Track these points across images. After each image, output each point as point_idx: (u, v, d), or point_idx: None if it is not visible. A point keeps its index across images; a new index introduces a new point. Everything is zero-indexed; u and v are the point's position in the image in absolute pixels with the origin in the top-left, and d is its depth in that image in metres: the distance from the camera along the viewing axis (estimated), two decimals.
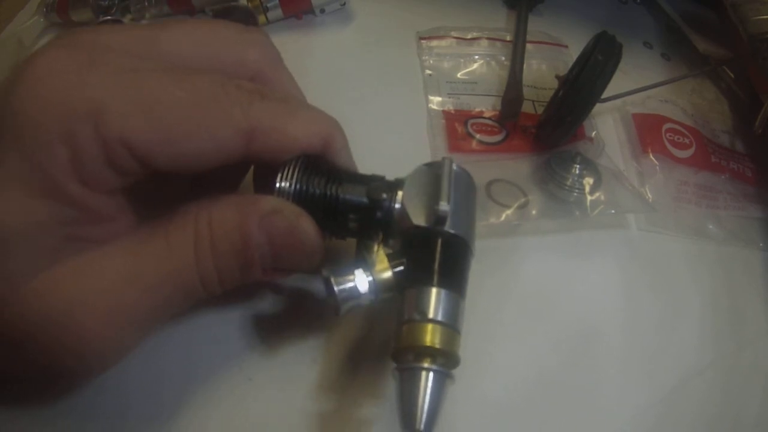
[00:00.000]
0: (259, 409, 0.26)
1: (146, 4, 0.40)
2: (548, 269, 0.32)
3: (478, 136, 0.37)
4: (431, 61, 0.41)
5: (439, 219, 0.23)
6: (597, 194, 0.34)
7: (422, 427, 0.20)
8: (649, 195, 0.36)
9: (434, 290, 0.22)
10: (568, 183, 0.33)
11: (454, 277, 0.23)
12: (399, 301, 0.23)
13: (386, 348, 0.27)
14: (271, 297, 0.28)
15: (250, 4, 0.40)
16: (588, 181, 0.33)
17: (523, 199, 0.34)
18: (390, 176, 0.25)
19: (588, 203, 0.33)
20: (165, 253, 0.21)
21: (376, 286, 0.23)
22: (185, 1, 0.40)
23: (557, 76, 0.36)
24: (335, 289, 0.22)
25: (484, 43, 0.43)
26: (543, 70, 0.42)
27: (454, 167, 0.25)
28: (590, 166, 0.34)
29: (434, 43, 0.42)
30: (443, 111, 0.38)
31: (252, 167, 0.27)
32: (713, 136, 0.41)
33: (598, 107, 0.35)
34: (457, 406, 0.26)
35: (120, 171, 0.19)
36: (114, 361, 0.22)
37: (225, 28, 0.24)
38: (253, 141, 0.21)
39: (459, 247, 0.23)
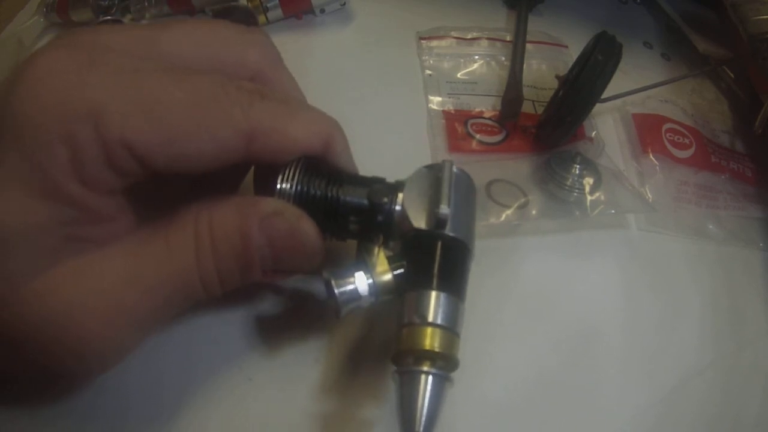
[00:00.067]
0: (260, 409, 0.26)
1: (146, 4, 0.40)
2: (548, 269, 0.32)
3: (478, 136, 0.37)
4: (431, 61, 0.41)
5: (439, 222, 0.23)
6: (597, 194, 0.34)
7: (422, 429, 0.20)
8: (649, 195, 0.36)
9: (434, 293, 0.22)
10: (568, 183, 0.33)
11: (453, 281, 0.23)
12: (399, 304, 0.23)
13: (387, 349, 0.27)
14: (272, 298, 0.28)
15: (250, 4, 0.40)
16: (588, 181, 0.33)
17: (523, 199, 0.34)
18: (390, 177, 0.25)
19: (588, 203, 0.33)
20: (165, 254, 0.21)
21: (377, 289, 0.23)
22: (185, 1, 0.40)
23: (557, 76, 0.36)
24: (336, 291, 0.22)
25: (484, 43, 0.43)
26: (543, 70, 0.42)
27: (454, 170, 0.25)
28: (590, 166, 0.34)
29: (434, 43, 0.42)
30: (443, 111, 0.38)
31: (252, 168, 0.27)
32: (713, 136, 0.41)
33: (598, 107, 0.35)
34: (457, 406, 0.26)
35: (120, 171, 0.19)
36: (114, 362, 0.22)
37: (225, 29, 0.23)
38: (253, 142, 0.21)
39: (459, 250, 0.24)
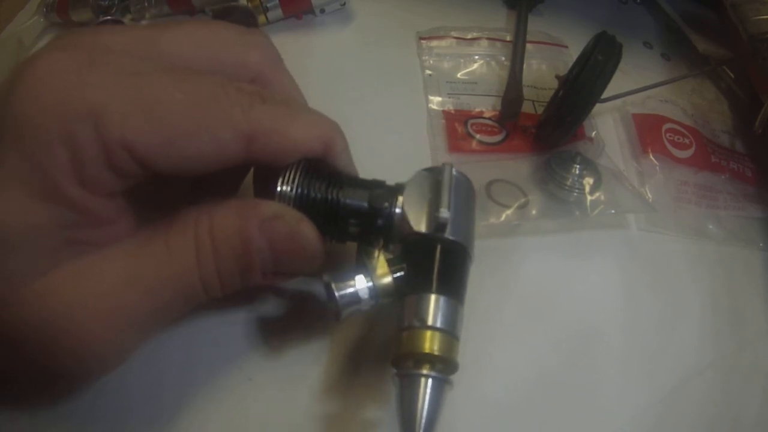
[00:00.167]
0: (260, 409, 0.26)
1: (146, 4, 0.40)
2: (548, 269, 0.32)
3: (478, 136, 0.37)
4: (431, 61, 0.41)
5: (439, 226, 0.23)
6: (597, 194, 0.34)
7: None
8: (649, 195, 0.36)
9: (433, 297, 0.22)
10: (568, 183, 0.33)
11: (453, 284, 0.23)
12: (399, 307, 0.23)
13: (387, 349, 0.27)
14: (272, 299, 0.28)
15: (250, 4, 0.40)
16: (588, 181, 0.33)
17: (523, 199, 0.34)
18: (390, 177, 0.25)
19: (588, 203, 0.33)
20: (165, 256, 0.21)
21: (377, 292, 0.23)
22: (185, 1, 0.40)
23: (557, 76, 0.36)
24: (336, 294, 0.22)
25: (484, 43, 0.43)
26: (543, 70, 0.42)
27: (454, 173, 0.25)
28: (590, 166, 0.34)
29: (434, 43, 0.42)
30: (443, 111, 0.38)
31: (252, 170, 0.27)
32: (713, 136, 0.41)
33: (598, 107, 0.35)
34: (457, 407, 0.26)
35: (120, 173, 0.19)
36: (114, 364, 0.22)
37: (226, 30, 0.23)
38: (253, 143, 0.21)
39: (458, 254, 0.24)
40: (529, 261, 0.32)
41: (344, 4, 0.42)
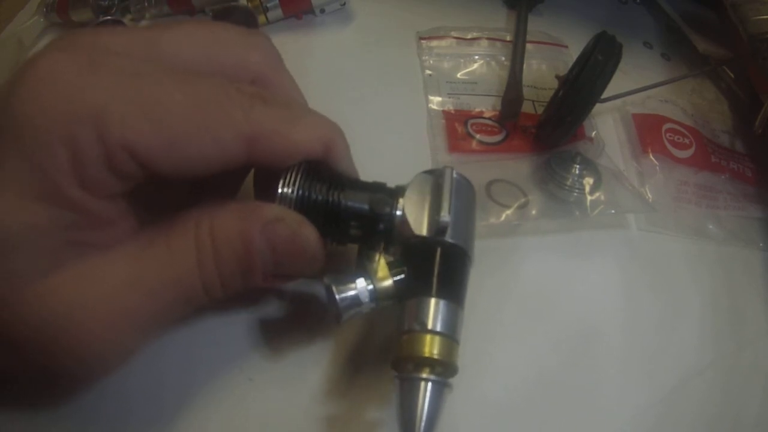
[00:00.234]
0: (260, 410, 0.26)
1: (146, 4, 0.40)
2: (548, 269, 0.32)
3: (478, 136, 0.37)
4: (431, 61, 0.41)
5: (439, 229, 0.23)
6: (597, 194, 0.34)
7: None
8: (649, 195, 0.36)
9: (433, 301, 0.22)
10: (568, 183, 0.33)
11: (452, 287, 0.23)
12: (399, 310, 0.23)
13: (387, 350, 0.27)
14: (273, 300, 0.28)
15: (250, 4, 0.40)
16: (588, 181, 0.33)
17: (523, 199, 0.34)
18: (390, 177, 0.25)
19: (588, 203, 0.33)
20: (167, 258, 0.21)
21: (377, 295, 0.23)
22: (185, 1, 0.40)
23: (557, 76, 0.36)
24: (337, 297, 0.23)
25: (484, 43, 0.43)
26: (543, 70, 0.42)
27: (455, 176, 0.25)
28: (590, 166, 0.34)
29: (434, 43, 0.42)
30: (443, 111, 0.38)
31: (252, 171, 0.27)
32: (713, 136, 0.41)
33: (598, 107, 0.35)
34: (458, 407, 0.26)
35: (121, 174, 0.19)
36: (116, 365, 0.22)
37: (226, 31, 0.23)
38: (254, 145, 0.21)
39: (458, 257, 0.24)
40: (529, 261, 0.32)
41: (344, 4, 0.42)
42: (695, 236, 0.35)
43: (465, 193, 0.25)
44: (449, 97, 0.39)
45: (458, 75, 0.41)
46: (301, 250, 0.22)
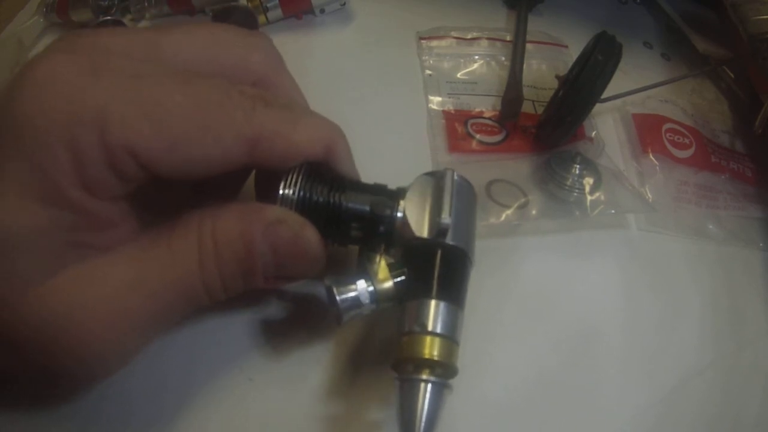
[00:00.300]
0: (260, 410, 0.26)
1: (146, 4, 0.40)
2: (548, 269, 0.32)
3: (478, 136, 0.37)
4: (431, 61, 0.41)
5: (440, 231, 0.23)
6: (597, 194, 0.34)
7: None
8: (649, 195, 0.36)
9: (433, 302, 0.22)
10: (568, 183, 0.33)
11: (453, 289, 0.23)
12: (399, 311, 0.23)
13: (387, 350, 0.27)
14: (274, 300, 0.28)
15: (250, 4, 0.40)
16: (588, 181, 0.33)
17: (523, 199, 0.34)
18: (390, 178, 0.25)
19: (588, 203, 0.33)
20: (168, 259, 0.21)
21: (378, 296, 0.23)
22: (185, 1, 0.40)
23: (557, 76, 0.36)
24: (338, 298, 0.23)
25: (484, 43, 0.43)
26: (543, 70, 0.42)
27: (456, 178, 0.25)
28: (590, 166, 0.34)
29: (434, 43, 0.42)
30: (443, 111, 0.38)
31: (253, 172, 0.27)
32: (713, 136, 0.41)
33: (598, 107, 0.35)
34: (458, 407, 0.26)
35: (122, 176, 0.19)
36: (117, 366, 0.22)
37: (227, 32, 0.23)
38: (256, 147, 0.21)
39: (459, 259, 0.24)
40: (529, 261, 0.32)
41: (344, 4, 0.42)
42: (695, 236, 0.35)
43: (466, 195, 0.25)
44: (449, 97, 0.39)
45: (458, 75, 0.41)
46: (303, 251, 0.22)
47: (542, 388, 0.28)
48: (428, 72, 0.40)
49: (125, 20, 0.40)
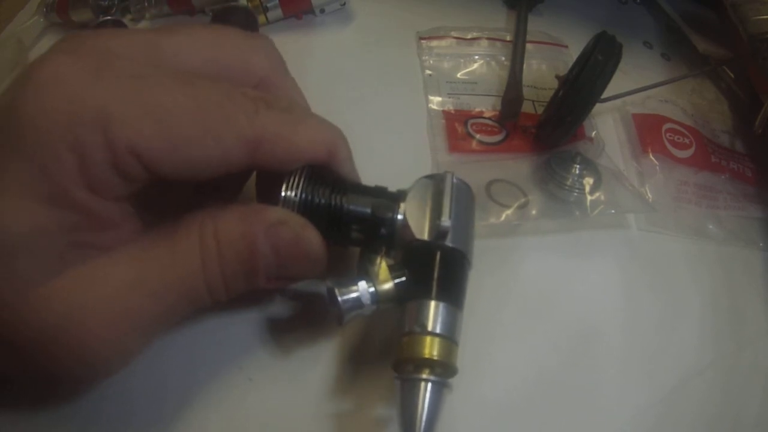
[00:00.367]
0: (261, 410, 0.26)
1: (146, 4, 0.40)
2: (548, 269, 0.32)
3: (478, 136, 0.37)
4: (431, 61, 0.41)
5: (440, 234, 0.24)
6: (597, 194, 0.34)
7: None
8: (649, 195, 0.36)
9: (433, 303, 0.23)
10: (568, 183, 0.33)
11: (452, 291, 0.23)
12: (400, 312, 0.23)
13: (387, 349, 0.27)
14: (275, 300, 0.28)
15: (250, 4, 0.40)
16: (588, 181, 0.33)
17: (523, 199, 0.34)
18: (390, 178, 0.25)
19: (588, 203, 0.33)
20: (170, 260, 0.21)
21: (378, 297, 0.23)
22: (185, 1, 0.40)
23: (557, 76, 0.36)
24: (339, 299, 0.23)
25: (484, 43, 0.43)
26: (543, 70, 0.42)
27: (455, 181, 0.25)
28: (590, 166, 0.34)
29: (434, 43, 0.42)
30: (443, 111, 0.38)
31: (254, 173, 0.27)
32: (713, 136, 0.41)
33: (598, 107, 0.35)
34: (457, 407, 0.26)
35: (126, 178, 0.19)
36: (118, 366, 0.22)
37: (229, 34, 0.24)
38: (258, 149, 0.21)
39: (458, 261, 0.24)
40: (529, 261, 0.32)
41: (344, 4, 0.42)
42: (695, 236, 0.35)
43: (465, 197, 0.26)
44: (449, 97, 0.39)
45: (458, 75, 0.41)
46: (304, 253, 0.23)
47: (542, 388, 0.28)
48: (428, 72, 0.40)
49: (125, 20, 0.40)
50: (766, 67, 0.38)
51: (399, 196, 0.25)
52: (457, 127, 0.37)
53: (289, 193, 0.23)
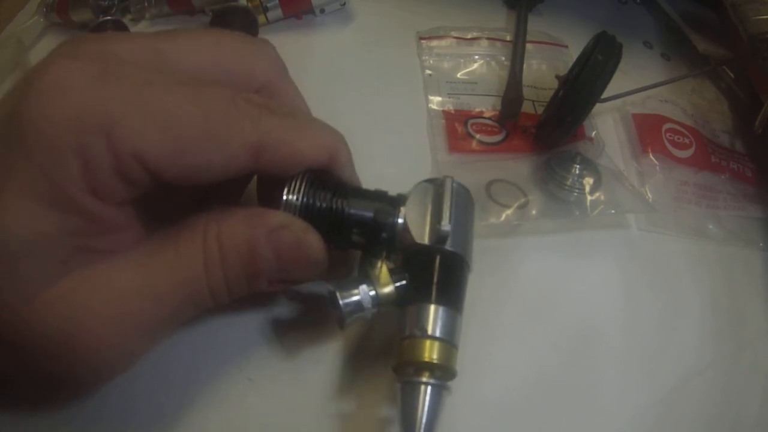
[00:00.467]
0: (261, 410, 0.26)
1: (146, 4, 0.40)
2: (548, 269, 0.32)
3: (478, 136, 0.37)
4: (431, 61, 0.41)
5: (440, 238, 0.24)
6: (597, 194, 0.34)
7: None
8: (649, 195, 0.36)
9: (433, 307, 0.23)
10: (568, 183, 0.33)
11: (452, 294, 0.24)
12: (400, 315, 0.24)
13: (387, 349, 0.27)
14: (274, 301, 0.28)
15: (250, 4, 0.40)
16: (588, 181, 0.33)
17: (523, 199, 0.34)
18: (390, 178, 0.25)
19: (588, 203, 0.33)
20: (174, 264, 0.21)
21: (379, 301, 0.23)
22: (185, 1, 0.40)
23: (557, 76, 0.36)
24: (340, 303, 0.23)
25: (484, 43, 0.43)
26: (543, 70, 0.42)
27: (455, 185, 0.25)
28: (590, 166, 0.34)
29: (434, 43, 0.42)
30: (443, 111, 0.38)
31: (255, 177, 0.27)
32: (713, 136, 0.41)
33: (598, 107, 0.35)
34: (457, 407, 0.26)
35: (131, 183, 0.19)
36: (122, 369, 0.22)
37: (232, 39, 0.24)
38: (261, 154, 0.21)
39: (457, 265, 0.24)
40: (529, 261, 0.32)
41: (344, 4, 0.42)
42: (695, 236, 0.35)
43: (464, 201, 0.26)
44: (449, 97, 0.39)
45: (458, 75, 0.41)
46: (306, 256, 0.23)
47: (542, 388, 0.28)
48: (428, 72, 0.40)
49: (125, 20, 0.40)
50: (766, 67, 0.38)
51: (399, 201, 0.25)
52: (457, 127, 0.37)
53: (290, 197, 0.23)
